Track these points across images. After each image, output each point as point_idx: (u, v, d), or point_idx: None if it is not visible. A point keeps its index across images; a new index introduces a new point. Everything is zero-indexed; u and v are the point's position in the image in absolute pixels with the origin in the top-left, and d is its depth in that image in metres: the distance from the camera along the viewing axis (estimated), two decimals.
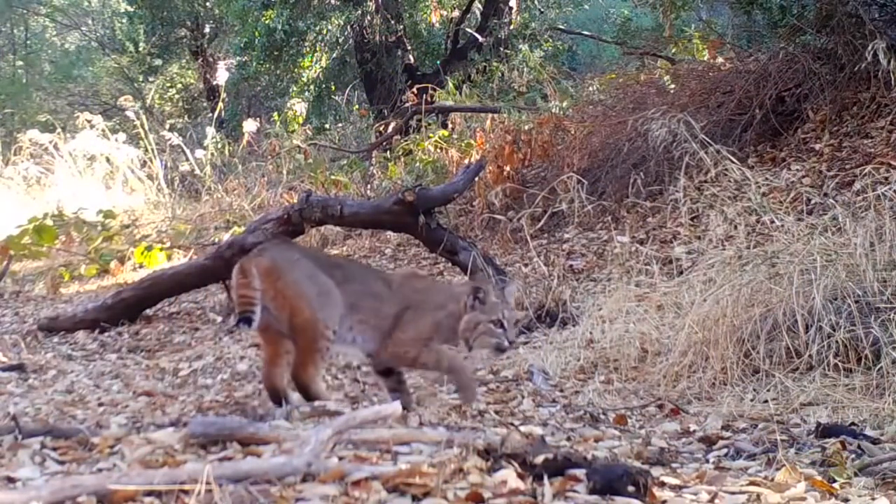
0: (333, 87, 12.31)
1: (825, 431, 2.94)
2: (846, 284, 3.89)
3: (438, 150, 8.73)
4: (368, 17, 11.84)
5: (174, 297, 6.09)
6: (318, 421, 3.09)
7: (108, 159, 10.59)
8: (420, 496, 2.05)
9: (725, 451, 2.82)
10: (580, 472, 2.22)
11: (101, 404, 3.77)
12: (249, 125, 11.04)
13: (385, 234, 7.59)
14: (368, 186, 8.94)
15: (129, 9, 14.91)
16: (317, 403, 3.22)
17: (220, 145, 11.15)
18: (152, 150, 10.58)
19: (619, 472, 2.16)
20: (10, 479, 2.26)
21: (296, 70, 11.89)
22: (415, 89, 10.10)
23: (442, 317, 3.42)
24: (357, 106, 12.28)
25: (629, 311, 4.48)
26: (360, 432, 2.57)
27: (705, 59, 8.58)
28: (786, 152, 6.44)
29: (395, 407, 2.77)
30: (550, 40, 12.72)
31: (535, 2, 13.17)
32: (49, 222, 8.03)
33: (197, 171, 10.76)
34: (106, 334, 5.54)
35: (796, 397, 3.53)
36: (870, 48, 6.06)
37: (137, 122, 10.67)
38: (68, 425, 3.06)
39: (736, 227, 5.37)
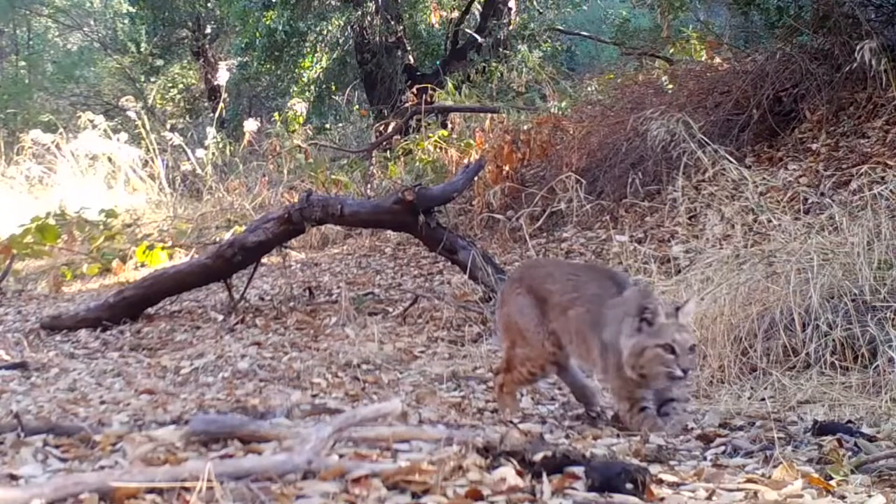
0: (334, 88, 12.34)
1: (822, 429, 2.94)
2: (843, 283, 3.91)
3: (438, 150, 8.76)
4: (368, 18, 11.86)
5: (176, 296, 6.10)
6: (318, 419, 3.11)
7: (109, 159, 10.60)
8: (420, 493, 2.07)
9: (723, 448, 2.82)
10: (579, 470, 2.24)
11: (102, 402, 3.78)
12: (250, 125, 11.06)
13: (385, 233, 7.61)
14: (368, 186, 8.96)
15: (131, 9, 14.94)
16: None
17: (221, 145, 11.17)
18: (154, 149, 10.60)
19: (618, 469, 2.18)
20: (13, 477, 2.28)
21: (296, 70, 11.93)
22: (415, 89, 10.12)
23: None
24: (357, 106, 12.29)
25: None
26: (360, 430, 2.59)
27: (703, 59, 8.59)
28: (783, 152, 6.45)
29: (395, 405, 2.79)
30: (549, 41, 12.74)
31: (534, 2, 13.19)
32: (51, 221, 8.04)
33: (198, 171, 10.78)
34: (108, 333, 5.54)
35: (793, 395, 3.54)
36: (859, 48, 6.07)
37: (139, 123, 10.70)
38: (70, 423, 3.07)
39: (733, 227, 5.39)
